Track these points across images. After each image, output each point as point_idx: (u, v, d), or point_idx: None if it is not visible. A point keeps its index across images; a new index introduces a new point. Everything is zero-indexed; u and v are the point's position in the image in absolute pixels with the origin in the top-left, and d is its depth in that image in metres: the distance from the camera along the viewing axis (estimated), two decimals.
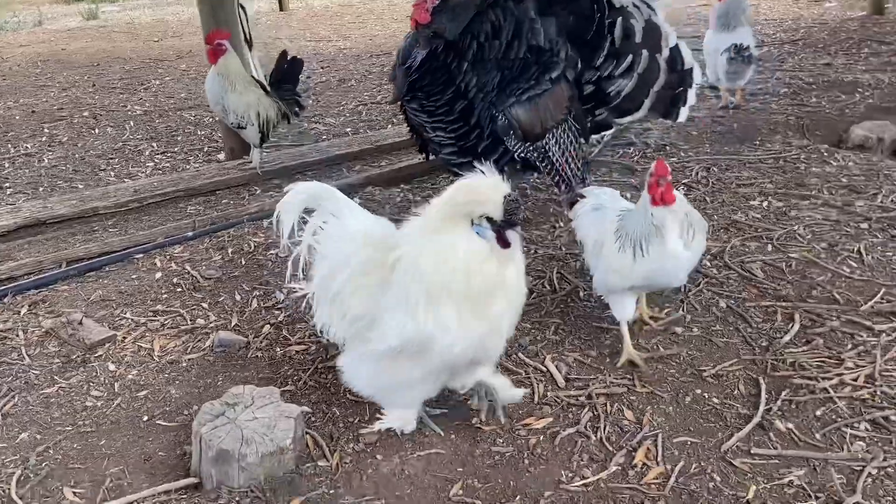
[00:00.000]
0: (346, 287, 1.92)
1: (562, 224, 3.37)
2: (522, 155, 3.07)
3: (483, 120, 2.96)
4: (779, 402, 2.04)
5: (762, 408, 2.01)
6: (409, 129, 3.42)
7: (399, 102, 3.26)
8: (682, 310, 2.56)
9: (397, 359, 1.83)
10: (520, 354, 2.38)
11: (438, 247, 1.75)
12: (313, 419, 2.11)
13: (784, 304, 2.55)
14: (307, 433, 2.00)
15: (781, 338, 2.35)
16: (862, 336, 2.33)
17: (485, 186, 1.73)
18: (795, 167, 3.82)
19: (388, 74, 3.41)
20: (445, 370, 1.91)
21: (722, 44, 4.73)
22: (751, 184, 3.62)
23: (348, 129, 5.19)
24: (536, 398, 2.16)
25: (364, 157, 4.48)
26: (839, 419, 1.96)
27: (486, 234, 1.70)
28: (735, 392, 2.12)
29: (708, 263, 2.86)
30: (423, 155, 3.47)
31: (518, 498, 1.77)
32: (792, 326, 2.41)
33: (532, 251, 3.13)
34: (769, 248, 2.97)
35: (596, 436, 1.97)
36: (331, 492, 1.81)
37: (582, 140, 3.29)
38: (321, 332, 2.06)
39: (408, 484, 1.84)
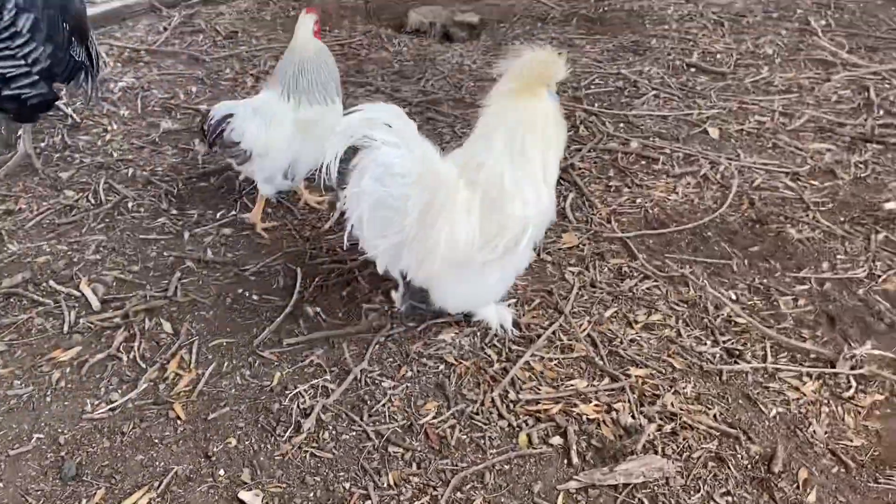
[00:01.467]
0: (458, 212, 1.82)
1: (115, 126, 3.19)
2: (81, 59, 2.78)
3: (54, 32, 2.54)
4: (311, 289, 2.24)
5: (295, 297, 2.19)
6: None
7: None
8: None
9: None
10: (50, 282, 2.25)
11: (547, 113, 1.90)
12: None
13: (327, 191, 2.69)
14: None
15: (322, 226, 2.55)
16: None
17: (557, 58, 1.88)
18: (357, 54, 4.06)
19: None
20: None
21: None
22: None
23: None
24: (66, 328, 2.08)
25: None
26: (359, 295, 2.22)
27: (556, 97, 1.95)
28: (274, 286, 2.27)
29: None
30: None
31: (34, 439, 1.73)
32: (333, 213, 2.58)
33: (77, 160, 2.92)
34: None
35: (129, 356, 1.99)
36: None
37: None
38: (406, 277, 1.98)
39: None
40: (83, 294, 2.21)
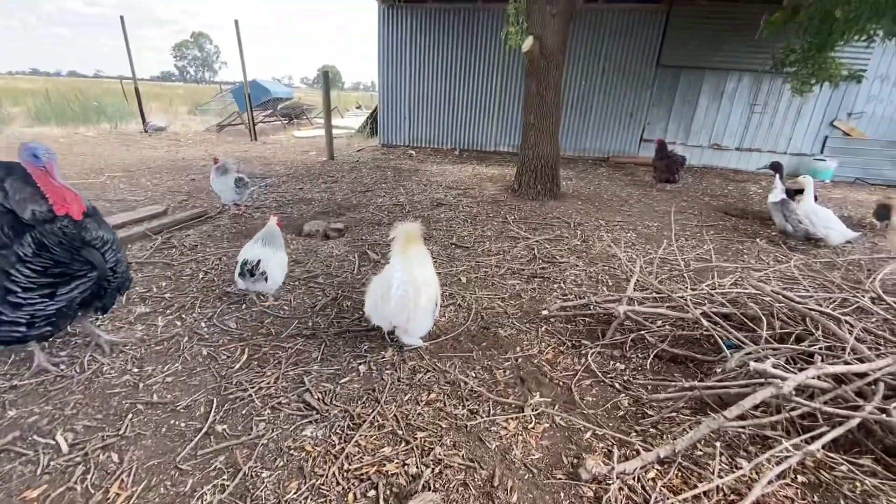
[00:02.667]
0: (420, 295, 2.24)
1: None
2: None
3: (123, 258, 2.19)
4: (221, 413, 1.93)
5: (210, 420, 1.88)
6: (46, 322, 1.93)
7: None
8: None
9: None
10: (34, 436, 1.79)
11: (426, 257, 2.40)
12: None
13: (241, 343, 2.45)
14: None
15: (234, 366, 2.26)
16: (279, 354, 2.36)
17: (418, 224, 2.38)
18: None
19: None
20: None
21: (229, 180, 4.65)
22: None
23: None
24: (40, 471, 1.63)
25: None
26: (254, 413, 1.95)
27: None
28: (197, 414, 1.93)
29: (203, 325, 2.64)
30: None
31: None
32: (242, 357, 2.33)
33: (73, 342, 2.44)
34: (243, 307, 2.86)
35: (83, 485, 1.58)
36: None
37: None
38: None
39: None
40: (57, 442, 1.76)
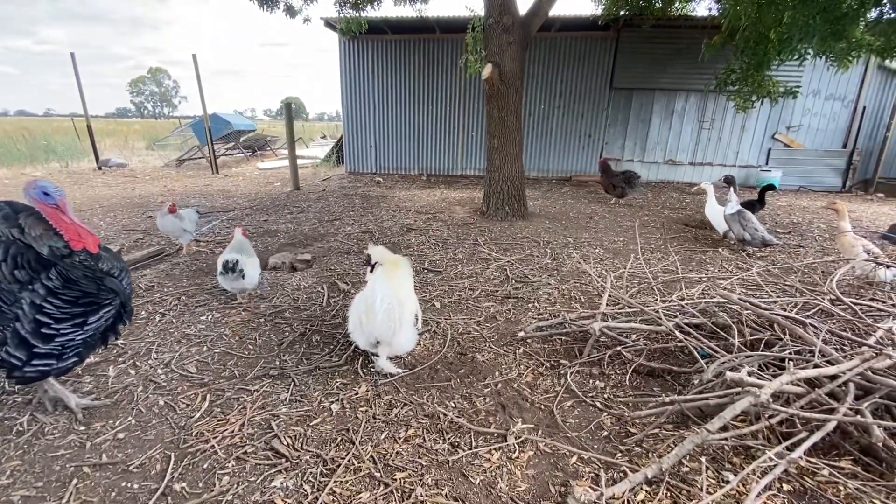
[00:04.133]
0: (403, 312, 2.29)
1: None
2: None
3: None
4: (180, 469, 1.75)
5: (167, 479, 1.70)
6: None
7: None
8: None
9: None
10: None
11: (409, 271, 2.48)
12: None
13: (202, 388, 2.27)
14: None
15: (194, 416, 2.08)
16: (244, 398, 2.21)
17: (383, 248, 2.50)
18: None
19: None
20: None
21: (190, 217, 4.45)
22: (204, 305, 3.33)
23: None
24: None
25: None
26: (216, 465, 1.78)
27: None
28: (153, 472, 1.75)
29: (160, 371, 2.45)
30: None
31: None
32: (203, 404, 2.16)
33: (10, 402, 2.20)
34: (205, 349, 2.69)
35: None
36: None
37: None
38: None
39: None
40: None
